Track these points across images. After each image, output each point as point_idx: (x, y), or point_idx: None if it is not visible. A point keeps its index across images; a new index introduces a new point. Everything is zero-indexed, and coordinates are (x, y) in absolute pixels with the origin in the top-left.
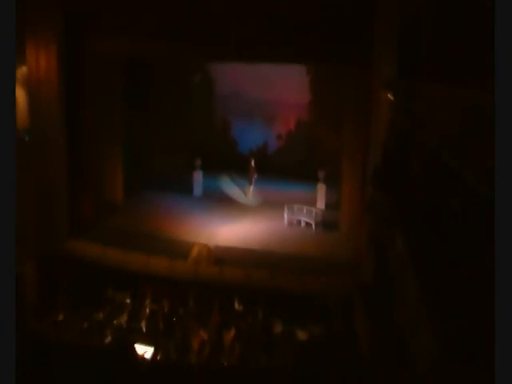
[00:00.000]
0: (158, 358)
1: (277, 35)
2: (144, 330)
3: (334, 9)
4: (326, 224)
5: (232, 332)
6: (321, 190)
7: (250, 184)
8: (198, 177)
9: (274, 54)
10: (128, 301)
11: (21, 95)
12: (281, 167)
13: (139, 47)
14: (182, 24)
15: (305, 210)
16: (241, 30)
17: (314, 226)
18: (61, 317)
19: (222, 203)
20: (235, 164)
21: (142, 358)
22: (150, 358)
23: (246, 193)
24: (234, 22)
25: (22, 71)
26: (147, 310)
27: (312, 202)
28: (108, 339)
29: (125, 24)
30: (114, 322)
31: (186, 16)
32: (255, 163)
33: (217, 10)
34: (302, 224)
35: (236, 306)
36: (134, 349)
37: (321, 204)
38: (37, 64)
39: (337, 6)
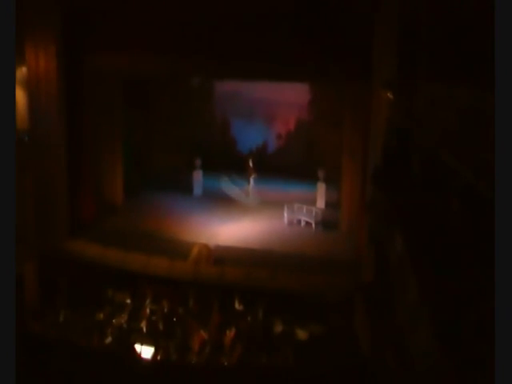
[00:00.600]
0: (158, 358)
1: (276, 44)
2: (144, 330)
3: (333, 10)
4: (326, 223)
5: (232, 332)
6: (321, 189)
7: (249, 184)
8: (198, 177)
9: (274, 63)
10: (128, 301)
11: (21, 96)
12: (281, 167)
13: (137, 60)
14: (179, 40)
15: (305, 210)
16: (239, 46)
17: (313, 226)
18: (61, 317)
19: (222, 203)
20: (235, 164)
21: (142, 358)
22: (150, 358)
23: (245, 192)
24: (233, 38)
25: (21, 72)
26: (147, 310)
27: (312, 202)
28: (108, 339)
29: (124, 35)
30: (114, 322)
31: (185, 32)
32: (253, 163)
33: (215, 26)
34: (302, 223)
35: (236, 305)
36: (134, 349)
37: (321, 203)
38: (36, 64)
39: (336, 6)
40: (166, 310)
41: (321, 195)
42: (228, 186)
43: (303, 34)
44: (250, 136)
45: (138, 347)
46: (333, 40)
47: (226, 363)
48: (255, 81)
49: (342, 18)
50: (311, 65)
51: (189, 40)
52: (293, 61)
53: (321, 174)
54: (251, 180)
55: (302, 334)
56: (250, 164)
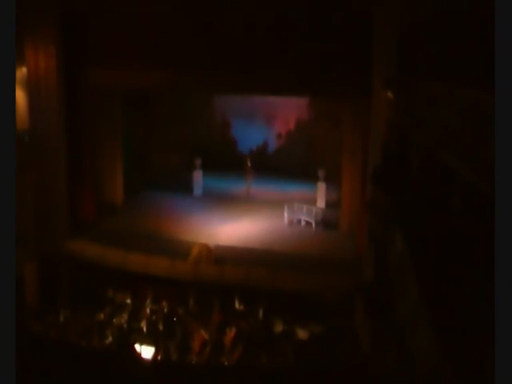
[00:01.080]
0: (159, 357)
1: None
2: (144, 330)
3: (334, 12)
4: (326, 223)
5: (232, 332)
6: (321, 188)
7: (247, 183)
8: (198, 177)
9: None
10: (128, 301)
11: (21, 96)
12: (281, 166)
13: (138, 75)
14: (181, 54)
15: (305, 209)
16: (240, 60)
17: (314, 225)
18: (61, 317)
19: (222, 203)
20: (235, 164)
21: (142, 358)
22: (150, 358)
23: (245, 192)
24: (235, 53)
25: (21, 72)
26: (147, 310)
27: (312, 201)
28: (108, 339)
29: (122, 47)
30: (114, 322)
31: (186, 46)
32: (252, 163)
33: (216, 41)
34: (302, 223)
35: (236, 305)
36: (134, 349)
37: (321, 203)
38: (36, 64)
39: (336, 8)
40: (165, 310)
41: (321, 195)
42: (228, 186)
43: (303, 39)
44: (250, 136)
45: (138, 347)
46: (333, 41)
47: (226, 363)
48: (255, 95)
49: (342, 18)
50: (312, 73)
51: (189, 54)
52: (294, 70)
53: (321, 173)
54: (250, 180)
55: (302, 334)
56: (249, 164)
